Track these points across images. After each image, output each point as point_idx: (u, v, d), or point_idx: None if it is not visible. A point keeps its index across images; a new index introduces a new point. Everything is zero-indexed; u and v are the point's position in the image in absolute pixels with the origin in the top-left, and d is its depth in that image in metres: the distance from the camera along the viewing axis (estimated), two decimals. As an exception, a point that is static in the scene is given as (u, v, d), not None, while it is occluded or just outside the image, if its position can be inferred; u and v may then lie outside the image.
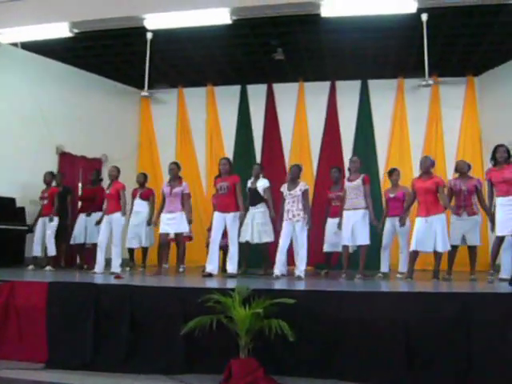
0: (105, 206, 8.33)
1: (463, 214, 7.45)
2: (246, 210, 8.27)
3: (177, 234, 8.21)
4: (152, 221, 8.71)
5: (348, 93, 11.14)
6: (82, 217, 9.31)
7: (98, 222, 8.40)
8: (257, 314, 4.60)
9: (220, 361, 4.72)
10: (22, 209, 9.26)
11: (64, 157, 10.31)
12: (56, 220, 8.69)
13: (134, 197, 9.27)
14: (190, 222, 8.30)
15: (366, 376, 4.74)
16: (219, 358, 4.79)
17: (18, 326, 5.54)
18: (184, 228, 8.01)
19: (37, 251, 8.73)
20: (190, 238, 9.38)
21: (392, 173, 8.49)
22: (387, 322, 4.88)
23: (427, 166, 7.32)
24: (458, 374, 4.64)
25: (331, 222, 8.33)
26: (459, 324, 4.75)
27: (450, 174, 9.54)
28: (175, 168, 8.03)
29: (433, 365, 4.71)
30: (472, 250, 7.51)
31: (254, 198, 8.56)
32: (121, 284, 6.07)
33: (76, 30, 8.26)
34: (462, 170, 7.64)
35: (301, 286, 6.50)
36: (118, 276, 7.03)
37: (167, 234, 8.08)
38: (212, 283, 6.65)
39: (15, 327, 5.54)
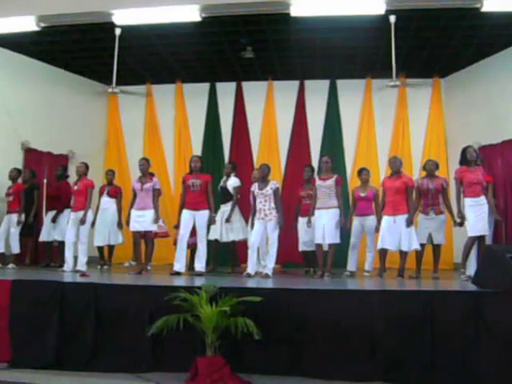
0: (72, 203, 8.19)
1: (430, 212, 7.58)
2: (216, 209, 8.20)
3: (145, 232, 7.93)
4: (122, 222, 8.71)
5: (317, 92, 11.19)
6: (49, 214, 9.11)
7: (54, 220, 8.29)
8: (223, 312, 4.61)
9: (186, 359, 4.73)
10: (-12, 206, 9.08)
11: (30, 153, 10.05)
12: (22, 218, 8.60)
13: (101, 194, 9.14)
14: (156, 220, 7.84)
15: (331, 373, 4.80)
16: (186, 356, 4.80)
17: (-20, 324, 5.44)
18: (153, 226, 7.84)
19: (0, 248, 8.59)
20: (164, 234, 9.12)
21: (361, 172, 8.43)
22: (353, 320, 4.94)
23: (397, 165, 7.48)
24: (422, 370, 4.73)
25: (302, 221, 8.32)
26: (424, 321, 4.84)
27: (416, 174, 9.69)
28: (146, 164, 7.94)
29: (398, 361, 4.79)
30: (436, 248, 7.66)
31: (225, 196, 8.63)
32: (86, 282, 5.97)
33: (43, 24, 8.07)
34: (431, 169, 7.75)
35: (268, 284, 6.53)
36: (83, 274, 6.93)
37: (139, 232, 7.87)
38: (179, 281, 6.64)
39: (-23, 326, 5.43)
